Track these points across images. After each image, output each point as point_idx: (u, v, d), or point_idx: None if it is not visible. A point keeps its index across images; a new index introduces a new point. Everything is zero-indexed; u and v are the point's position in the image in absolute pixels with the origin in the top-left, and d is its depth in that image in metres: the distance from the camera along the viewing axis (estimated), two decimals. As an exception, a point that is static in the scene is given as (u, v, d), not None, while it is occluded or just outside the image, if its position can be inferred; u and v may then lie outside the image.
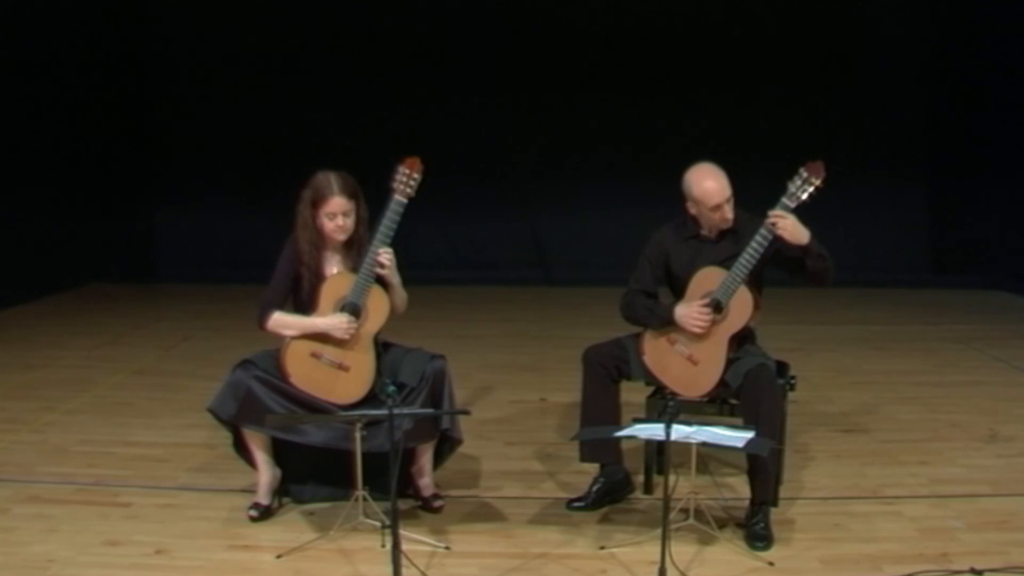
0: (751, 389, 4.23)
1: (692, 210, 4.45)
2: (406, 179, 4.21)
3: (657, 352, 4.44)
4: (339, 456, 4.25)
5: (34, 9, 9.63)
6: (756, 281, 4.35)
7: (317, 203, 4.24)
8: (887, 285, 10.65)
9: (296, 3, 10.92)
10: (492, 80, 10.89)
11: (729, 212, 4.38)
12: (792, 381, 4.60)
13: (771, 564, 3.94)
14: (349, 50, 10.88)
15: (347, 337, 4.22)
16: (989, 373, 7.10)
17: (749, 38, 10.71)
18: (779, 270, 4.38)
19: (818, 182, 4.15)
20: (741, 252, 4.23)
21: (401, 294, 4.37)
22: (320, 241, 4.29)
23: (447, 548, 4.09)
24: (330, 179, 4.25)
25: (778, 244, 4.21)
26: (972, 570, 3.80)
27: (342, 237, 4.28)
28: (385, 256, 4.20)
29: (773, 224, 4.15)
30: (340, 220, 4.24)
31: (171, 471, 4.99)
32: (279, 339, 4.31)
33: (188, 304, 9.94)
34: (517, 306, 10.02)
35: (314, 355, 4.24)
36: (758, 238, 4.19)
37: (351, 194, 4.25)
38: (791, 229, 4.17)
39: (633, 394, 4.76)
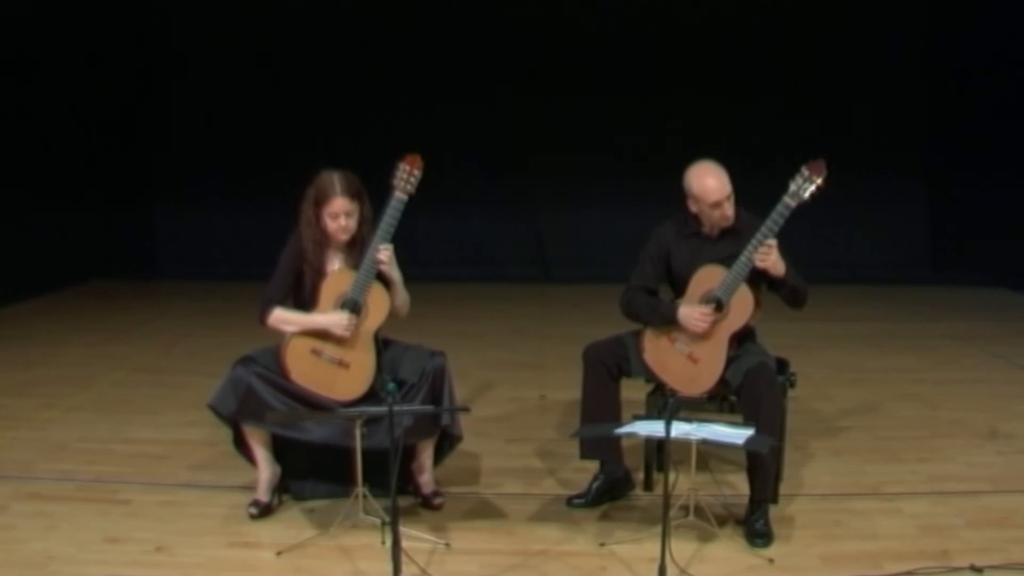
0: (751, 388, 4.23)
1: (693, 208, 4.45)
2: (406, 176, 4.21)
3: (657, 350, 4.45)
4: (339, 453, 4.26)
5: (33, 6, 9.62)
6: (756, 280, 4.35)
7: (320, 202, 4.24)
8: (887, 282, 10.68)
9: (297, 1, 10.91)
10: (493, 78, 10.91)
11: (729, 210, 4.38)
12: (792, 378, 4.60)
13: (771, 561, 3.94)
14: (350, 47, 10.88)
15: (347, 335, 4.22)
16: (989, 370, 7.11)
17: (748, 37, 10.72)
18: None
19: (820, 181, 4.15)
20: (741, 251, 4.24)
21: (403, 294, 4.37)
22: (323, 239, 4.28)
23: (447, 545, 4.09)
24: (334, 179, 4.24)
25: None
26: (972, 567, 3.81)
27: (344, 237, 4.28)
28: (384, 252, 4.20)
29: (763, 256, 4.18)
30: (343, 220, 4.23)
31: (171, 468, 4.99)
32: (279, 336, 4.31)
33: (188, 301, 9.95)
34: (517, 303, 10.03)
35: (314, 352, 4.25)
36: (753, 243, 4.19)
37: (354, 195, 4.24)
38: (771, 261, 4.21)
39: (633, 391, 4.76)
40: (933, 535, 4.16)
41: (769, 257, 4.21)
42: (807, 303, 4.45)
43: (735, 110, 10.58)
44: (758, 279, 4.36)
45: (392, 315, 4.34)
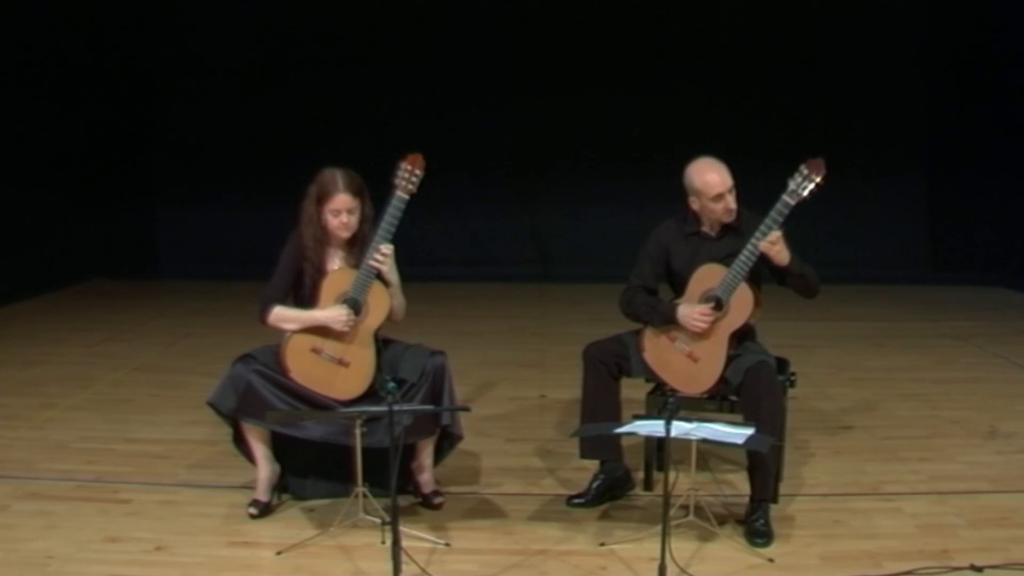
0: (751, 386, 4.23)
1: (694, 205, 4.45)
2: (408, 175, 4.22)
3: (657, 349, 4.45)
4: (339, 452, 4.26)
5: (35, 7, 9.62)
6: (756, 278, 4.35)
7: (322, 199, 4.24)
8: (887, 282, 10.67)
9: (297, 1, 10.91)
10: (493, 76, 10.90)
11: (732, 203, 4.38)
12: (792, 377, 4.60)
13: (771, 561, 3.94)
14: (350, 46, 10.88)
15: (346, 329, 4.22)
16: (989, 370, 7.11)
17: (748, 35, 10.71)
18: (768, 273, 4.40)
19: (818, 179, 4.16)
20: (741, 249, 4.24)
21: (400, 297, 4.36)
22: (324, 237, 4.29)
23: (447, 544, 4.09)
24: (336, 176, 4.26)
25: (764, 261, 4.27)
26: (972, 567, 3.81)
27: (346, 234, 4.28)
28: (384, 250, 4.20)
29: (770, 242, 4.17)
30: (344, 217, 4.24)
31: (171, 467, 4.99)
32: (279, 334, 4.31)
33: (188, 300, 9.95)
34: (517, 302, 10.03)
35: (314, 350, 4.25)
36: (752, 243, 4.19)
37: (356, 192, 4.26)
38: (776, 250, 4.21)
39: (633, 391, 4.76)
40: (933, 535, 4.16)
41: (774, 246, 4.20)
42: (818, 293, 4.44)
43: (735, 109, 10.57)
44: (759, 277, 4.37)
45: (388, 319, 4.34)
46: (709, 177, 4.36)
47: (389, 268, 4.27)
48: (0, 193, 9.31)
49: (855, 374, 6.96)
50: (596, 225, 10.98)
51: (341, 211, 4.23)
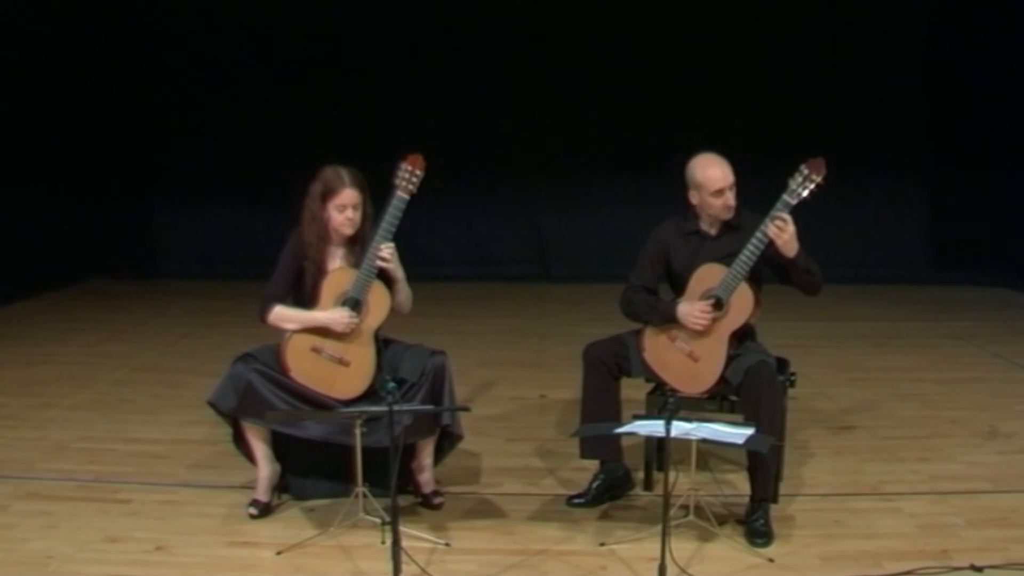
0: (751, 386, 4.23)
1: (694, 199, 4.45)
2: (408, 175, 4.23)
3: (657, 348, 4.45)
4: (339, 452, 4.26)
5: (34, 6, 9.62)
6: (756, 278, 4.35)
7: (327, 196, 4.25)
8: (887, 281, 10.66)
9: (297, 0, 10.91)
10: (493, 77, 10.89)
11: (732, 199, 4.38)
12: (792, 377, 4.60)
13: (771, 561, 3.94)
14: (350, 47, 10.87)
15: (347, 331, 4.23)
16: (989, 370, 7.11)
17: (747, 35, 10.70)
18: (770, 271, 4.39)
19: (819, 179, 4.16)
20: (742, 249, 4.24)
21: (406, 290, 4.38)
22: (326, 235, 4.30)
23: (447, 544, 4.09)
24: (340, 172, 4.28)
25: (770, 251, 4.24)
26: (972, 567, 3.81)
27: (350, 231, 4.29)
28: (386, 250, 4.21)
29: (777, 227, 4.15)
30: (350, 212, 4.25)
31: (171, 467, 4.99)
32: (280, 334, 4.31)
33: (188, 300, 9.94)
34: (517, 302, 10.02)
35: (314, 350, 4.25)
36: (758, 235, 4.20)
37: (361, 188, 4.28)
38: (785, 238, 4.18)
39: (633, 391, 4.76)
40: (933, 535, 4.16)
41: (783, 233, 4.17)
42: (816, 293, 4.42)
43: (735, 109, 10.57)
44: (759, 277, 4.37)
45: (395, 311, 4.35)
46: (711, 172, 4.37)
47: (395, 265, 4.28)
48: (0, 193, 9.31)
49: (855, 374, 6.96)
50: (596, 225, 10.96)
51: (347, 207, 4.24)
